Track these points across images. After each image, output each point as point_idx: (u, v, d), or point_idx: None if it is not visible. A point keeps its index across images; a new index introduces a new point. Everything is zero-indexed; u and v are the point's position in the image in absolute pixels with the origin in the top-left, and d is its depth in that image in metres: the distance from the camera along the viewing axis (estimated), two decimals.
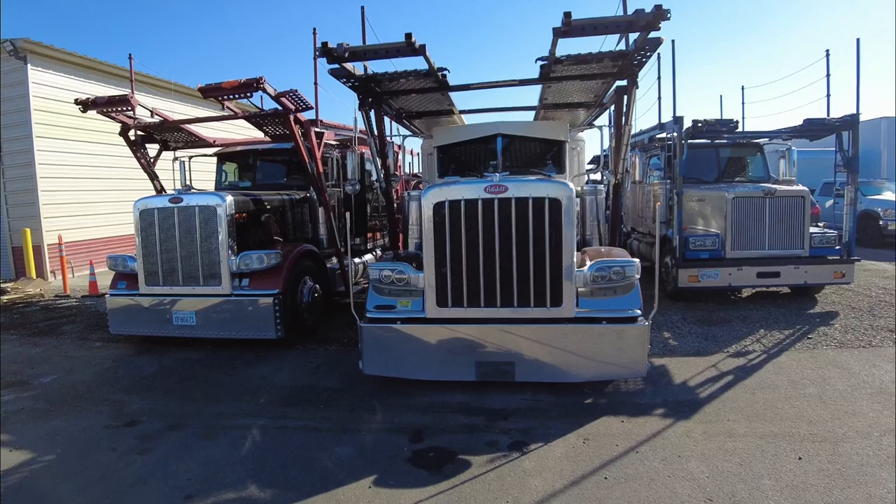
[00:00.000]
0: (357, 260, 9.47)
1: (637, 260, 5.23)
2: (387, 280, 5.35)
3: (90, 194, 14.10)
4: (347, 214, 5.71)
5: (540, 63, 5.50)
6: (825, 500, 3.48)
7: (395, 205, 8.06)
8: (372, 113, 6.80)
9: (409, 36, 4.82)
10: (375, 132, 6.91)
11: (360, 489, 3.74)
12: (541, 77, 6.00)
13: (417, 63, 5.52)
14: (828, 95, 9.82)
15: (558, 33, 4.75)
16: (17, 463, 4.31)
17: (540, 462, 4.05)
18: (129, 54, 9.09)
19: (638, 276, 5.20)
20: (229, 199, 7.04)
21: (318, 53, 5.18)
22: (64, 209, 13.29)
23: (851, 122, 8.85)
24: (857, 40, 8.94)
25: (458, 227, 5.03)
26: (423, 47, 5.02)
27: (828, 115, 9.52)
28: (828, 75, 9.78)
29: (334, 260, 8.78)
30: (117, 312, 7.43)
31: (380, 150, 7.03)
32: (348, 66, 5.61)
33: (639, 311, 5.10)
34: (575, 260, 5.09)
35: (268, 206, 8.02)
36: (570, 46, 5.22)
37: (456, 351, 5.16)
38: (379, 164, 7.21)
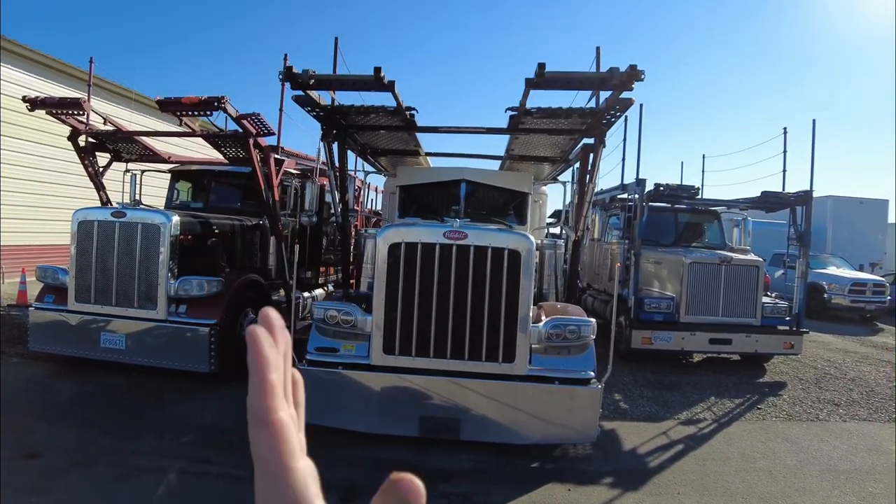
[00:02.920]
0: (307, 294, 9.10)
1: (594, 320, 5.10)
2: (332, 321, 5.04)
3: (31, 198, 13.38)
4: (297, 247, 5.43)
5: (510, 113, 5.43)
6: None
7: (352, 241, 7.80)
8: (335, 145, 6.59)
9: (377, 70, 4.67)
10: (337, 164, 6.69)
11: None
12: (509, 127, 5.93)
13: (385, 99, 5.38)
14: (784, 171, 10.17)
15: (531, 84, 4.68)
16: None
17: None
18: (90, 58, 8.69)
19: (593, 337, 5.05)
20: (175, 218, 6.66)
21: (280, 77, 4.98)
22: (3, 211, 12.52)
23: (805, 197, 9.13)
24: (813, 121, 9.34)
25: (413, 271, 4.80)
26: (391, 83, 4.87)
27: (783, 189, 9.81)
28: (784, 151, 10.14)
29: (282, 292, 8.40)
30: (40, 327, 6.84)
31: (339, 183, 6.80)
32: (314, 94, 5.42)
33: (592, 374, 4.93)
34: (531, 315, 4.92)
35: (216, 230, 7.63)
36: (541, 100, 5.20)
37: (400, 403, 4.85)
38: (337, 197, 6.97)
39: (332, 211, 10.05)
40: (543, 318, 5.11)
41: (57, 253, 13.51)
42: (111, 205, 8.46)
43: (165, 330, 6.52)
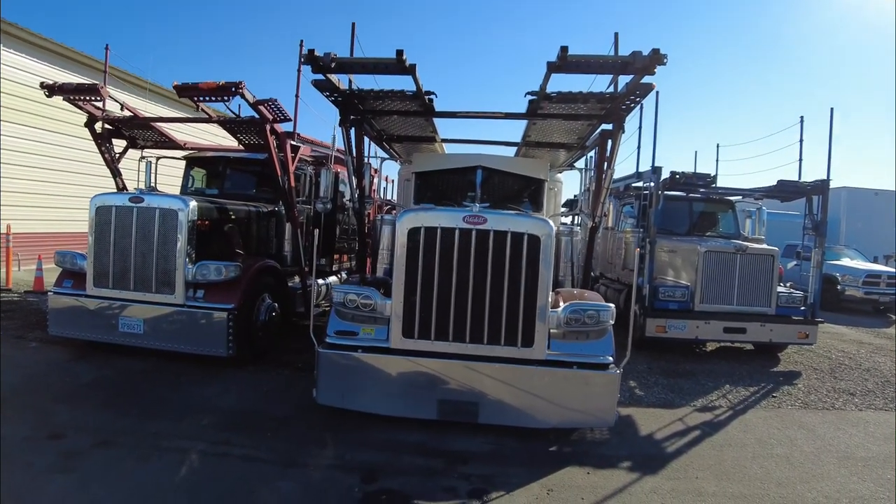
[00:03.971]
0: (321, 281, 9.12)
1: (612, 305, 5.09)
2: (351, 305, 5.06)
3: (47, 185, 13.52)
4: (316, 232, 5.44)
5: (529, 98, 5.40)
6: None
7: (367, 227, 7.81)
8: (352, 131, 6.59)
9: (399, 53, 4.66)
10: (354, 151, 6.69)
11: None
12: (528, 112, 5.90)
13: (403, 83, 5.36)
14: (800, 160, 10.07)
15: (552, 67, 4.65)
16: None
17: None
18: (106, 45, 8.71)
19: (612, 322, 5.05)
20: (192, 203, 6.69)
21: (302, 61, 4.97)
22: (16, 198, 12.65)
23: (822, 187, 9.06)
24: (831, 110, 9.21)
25: (432, 256, 4.81)
26: (413, 67, 4.86)
27: (799, 178, 9.72)
28: (801, 140, 10.03)
29: (296, 279, 8.44)
30: (59, 312, 6.92)
31: (356, 169, 6.81)
32: (333, 78, 5.41)
33: (611, 358, 4.93)
34: (549, 300, 4.92)
35: (232, 216, 7.67)
36: (560, 86, 5.17)
37: (418, 386, 4.88)
38: (354, 183, 6.98)
39: (346, 199, 10.10)
40: (561, 303, 5.10)
41: (72, 240, 13.67)
42: (127, 191, 8.52)
43: (183, 315, 6.56)
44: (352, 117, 6.41)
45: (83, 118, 8.18)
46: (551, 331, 4.93)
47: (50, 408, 5.18)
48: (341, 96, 5.87)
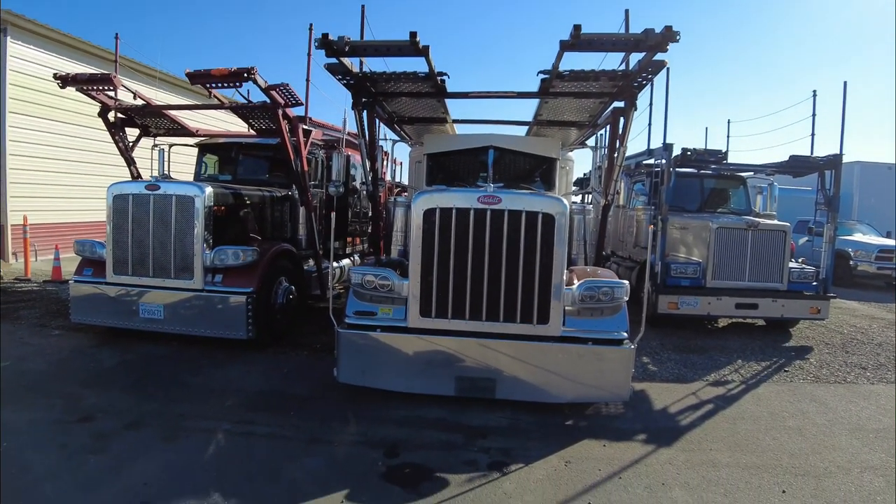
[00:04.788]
0: (336, 264, 9.23)
1: (626, 281, 5.15)
2: (369, 286, 5.16)
3: (61, 176, 13.66)
4: (333, 215, 5.52)
5: (541, 76, 5.42)
6: None
7: (381, 209, 7.89)
8: (364, 113, 6.64)
9: (413, 35, 4.69)
10: (367, 134, 6.74)
11: None
12: (540, 91, 5.92)
13: (416, 65, 5.39)
14: (812, 135, 10.00)
15: (565, 46, 4.67)
16: None
17: (521, 484, 3.89)
18: (116, 34, 8.76)
19: (626, 298, 5.11)
20: (209, 190, 6.78)
21: (316, 45, 5.00)
22: (32, 189, 12.82)
23: (835, 161, 9.01)
24: (844, 84, 9.13)
25: (448, 236, 4.88)
26: (426, 48, 4.89)
27: (812, 153, 9.66)
28: (813, 115, 9.96)
29: (311, 262, 8.54)
30: (81, 300, 7.07)
31: (369, 152, 6.87)
32: (346, 62, 5.45)
33: (625, 334, 5.01)
34: (564, 278, 4.98)
35: (247, 202, 7.76)
36: (571, 64, 5.20)
37: (436, 364, 4.98)
38: (368, 166, 7.04)
39: (357, 182, 10.15)
40: (576, 281, 5.17)
41: (88, 229, 13.86)
42: (142, 179, 8.63)
43: (203, 299, 6.68)
44: (364, 100, 6.45)
45: (93, 108, 8.27)
46: (566, 308, 5.00)
47: (77, 392, 5.33)
48: (354, 79, 5.91)
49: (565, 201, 5.03)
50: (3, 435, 4.30)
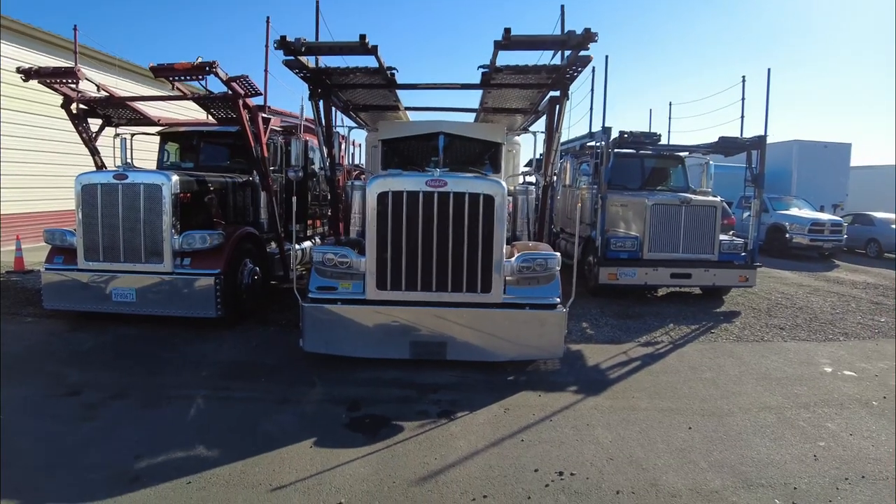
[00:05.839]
0: (297, 246, 9.63)
1: (558, 254, 5.83)
2: (329, 263, 5.68)
3: (18, 166, 13.58)
4: (294, 199, 5.98)
5: (482, 70, 5.98)
6: (706, 459, 4.16)
7: (338, 193, 8.36)
8: (321, 103, 7.08)
9: (363, 37, 5.19)
10: (323, 122, 7.19)
11: (301, 449, 4.10)
12: (482, 83, 6.48)
13: (369, 60, 5.87)
14: (742, 117, 10.80)
15: (499, 46, 5.24)
16: None
17: (465, 427, 4.54)
18: (74, 25, 8.89)
19: (558, 268, 5.78)
20: (175, 178, 7.12)
21: (275, 46, 5.44)
22: None
23: (759, 142, 9.83)
24: (768, 70, 9.90)
25: (400, 216, 5.43)
26: (375, 48, 5.39)
27: (741, 134, 10.48)
28: (742, 99, 10.74)
29: (273, 245, 8.96)
30: (53, 287, 7.32)
31: (326, 139, 7.33)
32: (302, 59, 5.89)
33: (558, 299, 5.68)
34: (504, 251, 5.61)
35: (211, 188, 8.09)
36: (511, 58, 5.74)
37: (392, 331, 5.57)
38: (325, 152, 7.50)
39: (315, 166, 10.54)
40: (515, 254, 5.81)
41: (48, 219, 13.87)
42: (106, 168, 8.87)
43: (173, 282, 7.05)
44: (319, 90, 6.89)
45: (51, 98, 8.40)
46: (507, 278, 5.65)
47: (60, 371, 5.69)
48: (310, 73, 6.35)
49: (504, 184, 5.64)
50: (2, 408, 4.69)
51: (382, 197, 5.44)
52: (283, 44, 5.37)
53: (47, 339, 6.81)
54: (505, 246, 5.63)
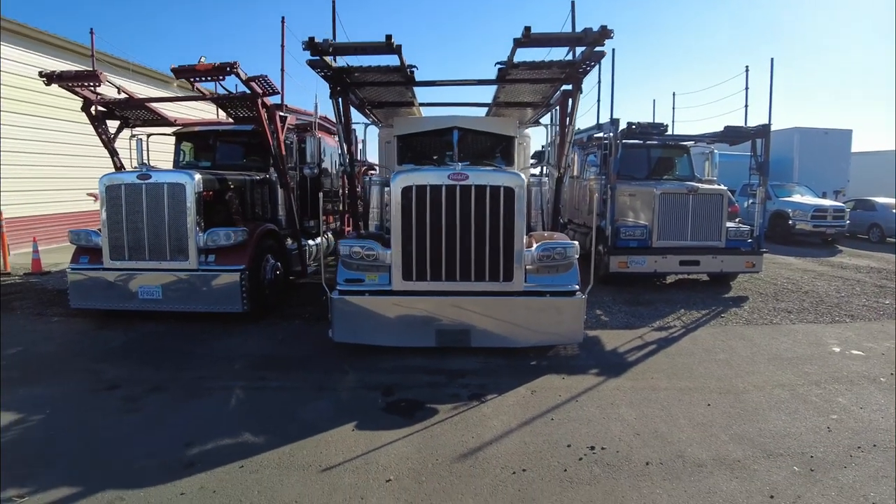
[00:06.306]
0: (311, 242, 9.81)
1: (576, 242, 6.04)
2: (356, 256, 5.89)
3: (29, 170, 13.75)
4: (321, 195, 6.18)
5: (498, 66, 6.18)
6: (727, 432, 4.40)
7: (356, 188, 8.55)
8: (339, 101, 7.27)
9: (389, 37, 5.38)
10: (342, 119, 7.39)
11: (344, 432, 4.33)
12: (498, 78, 6.68)
13: (390, 59, 6.06)
14: (746, 106, 10.96)
15: (518, 43, 5.44)
16: (6, 423, 4.47)
17: (496, 408, 4.77)
18: (91, 29, 9.03)
19: (577, 257, 6.00)
20: (198, 177, 7.30)
21: (303, 47, 5.63)
22: (5, 184, 12.92)
23: (763, 131, 10.03)
24: (772, 60, 10.09)
25: (424, 210, 5.64)
26: (399, 47, 5.59)
27: (745, 123, 10.67)
28: (746, 88, 10.92)
29: (289, 241, 9.16)
30: (79, 287, 7.48)
31: (346, 135, 7.53)
32: (327, 59, 6.08)
33: (577, 287, 5.90)
34: (524, 241, 5.82)
35: (231, 186, 8.27)
36: (525, 54, 5.94)
37: (418, 320, 5.78)
38: (345, 149, 7.70)
39: (330, 162, 10.73)
40: (534, 243, 6.02)
41: (61, 221, 14.09)
42: (124, 169, 9.05)
43: (199, 278, 7.24)
44: (338, 89, 7.08)
45: (61, 102, 8.54)
46: (527, 267, 5.86)
47: (95, 367, 5.86)
48: (332, 72, 6.55)
49: (523, 176, 5.84)
50: (40, 407, 4.81)
51: (406, 191, 5.64)
52: (310, 45, 5.57)
53: (77, 338, 6.98)
54: (524, 235, 5.83)
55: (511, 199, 5.64)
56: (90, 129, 8.81)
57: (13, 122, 13.19)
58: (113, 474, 3.72)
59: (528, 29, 5.19)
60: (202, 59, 7.18)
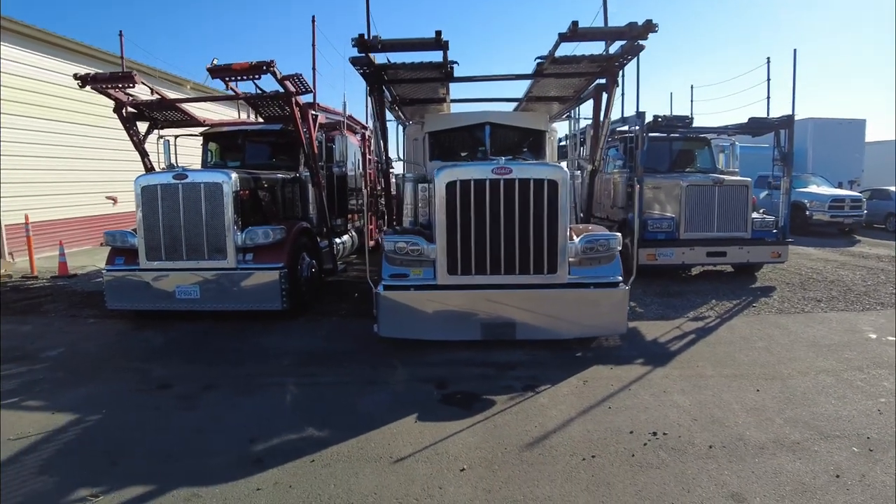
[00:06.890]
0: (337, 241, 9.86)
1: (619, 234, 6.08)
2: (401, 251, 5.95)
3: (52, 174, 13.85)
4: (365, 192, 6.26)
5: (538, 61, 6.23)
6: (780, 416, 4.47)
7: (393, 186, 8.62)
8: (375, 98, 7.33)
9: (438, 33, 5.45)
10: (378, 117, 7.45)
11: (407, 424, 4.39)
12: (536, 73, 6.73)
13: (433, 55, 6.12)
14: (768, 98, 11.00)
15: (563, 37, 5.49)
16: (64, 423, 4.48)
17: (552, 398, 4.84)
18: (120, 31, 9.12)
19: (619, 248, 6.05)
20: (234, 176, 7.33)
21: (352, 43, 5.69)
22: (26, 188, 13.03)
23: (787, 121, 10.05)
24: (794, 51, 10.15)
25: (468, 204, 5.69)
26: (446, 43, 5.64)
27: (768, 115, 10.70)
28: (768, 80, 10.95)
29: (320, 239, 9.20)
30: (116, 287, 7.48)
31: (382, 133, 7.59)
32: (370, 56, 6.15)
33: (620, 278, 5.96)
34: (567, 233, 5.87)
35: (265, 185, 8.34)
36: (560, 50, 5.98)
37: (464, 314, 5.84)
38: (382, 146, 7.77)
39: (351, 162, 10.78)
40: (576, 236, 6.07)
41: (84, 224, 14.18)
42: (154, 170, 9.12)
43: (238, 276, 7.27)
44: (375, 86, 7.14)
45: (84, 107, 8.61)
46: (570, 259, 5.91)
47: (142, 367, 5.87)
48: (372, 69, 6.60)
49: (566, 169, 5.89)
50: (95, 407, 4.82)
51: (451, 186, 5.69)
52: (360, 42, 5.63)
53: (116, 339, 7.01)
54: (567, 228, 5.89)
55: (555, 192, 5.68)
56: (107, 132, 8.90)
57: (34, 127, 13.28)
58: (183, 472, 3.73)
59: (575, 23, 5.23)
60: (214, 61, 7.24)
